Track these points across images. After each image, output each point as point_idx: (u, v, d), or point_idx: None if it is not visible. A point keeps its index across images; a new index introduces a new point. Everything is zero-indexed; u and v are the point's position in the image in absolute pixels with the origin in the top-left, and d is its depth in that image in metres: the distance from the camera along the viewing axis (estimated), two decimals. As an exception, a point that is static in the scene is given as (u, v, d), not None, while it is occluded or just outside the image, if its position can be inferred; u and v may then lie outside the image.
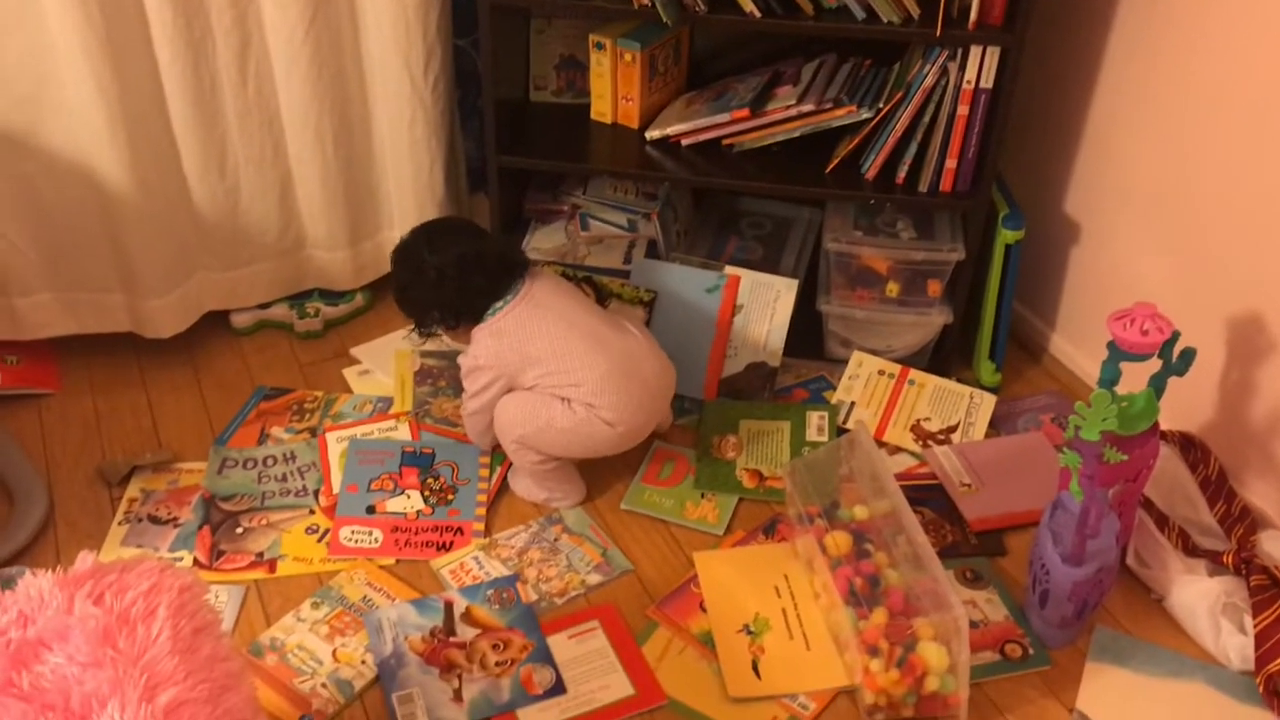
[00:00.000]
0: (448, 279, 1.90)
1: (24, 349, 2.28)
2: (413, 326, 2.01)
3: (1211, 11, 1.84)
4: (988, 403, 2.20)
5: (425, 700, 1.67)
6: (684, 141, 2.25)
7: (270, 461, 2.08)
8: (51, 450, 2.12)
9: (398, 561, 1.91)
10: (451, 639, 1.76)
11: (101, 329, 2.28)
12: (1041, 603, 1.74)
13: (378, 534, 1.94)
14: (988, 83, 1.98)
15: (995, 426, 2.18)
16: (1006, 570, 1.90)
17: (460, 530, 1.96)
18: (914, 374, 2.25)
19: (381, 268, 2.46)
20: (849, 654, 1.69)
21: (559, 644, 1.76)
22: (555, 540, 1.95)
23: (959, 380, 2.26)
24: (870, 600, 1.69)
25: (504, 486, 2.05)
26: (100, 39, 1.92)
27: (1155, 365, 1.71)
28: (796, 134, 2.17)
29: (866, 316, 2.25)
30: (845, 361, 2.28)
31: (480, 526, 1.97)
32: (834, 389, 2.26)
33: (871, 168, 2.13)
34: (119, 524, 1.96)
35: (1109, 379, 1.67)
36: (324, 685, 1.70)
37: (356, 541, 1.93)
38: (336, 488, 2.02)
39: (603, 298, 2.25)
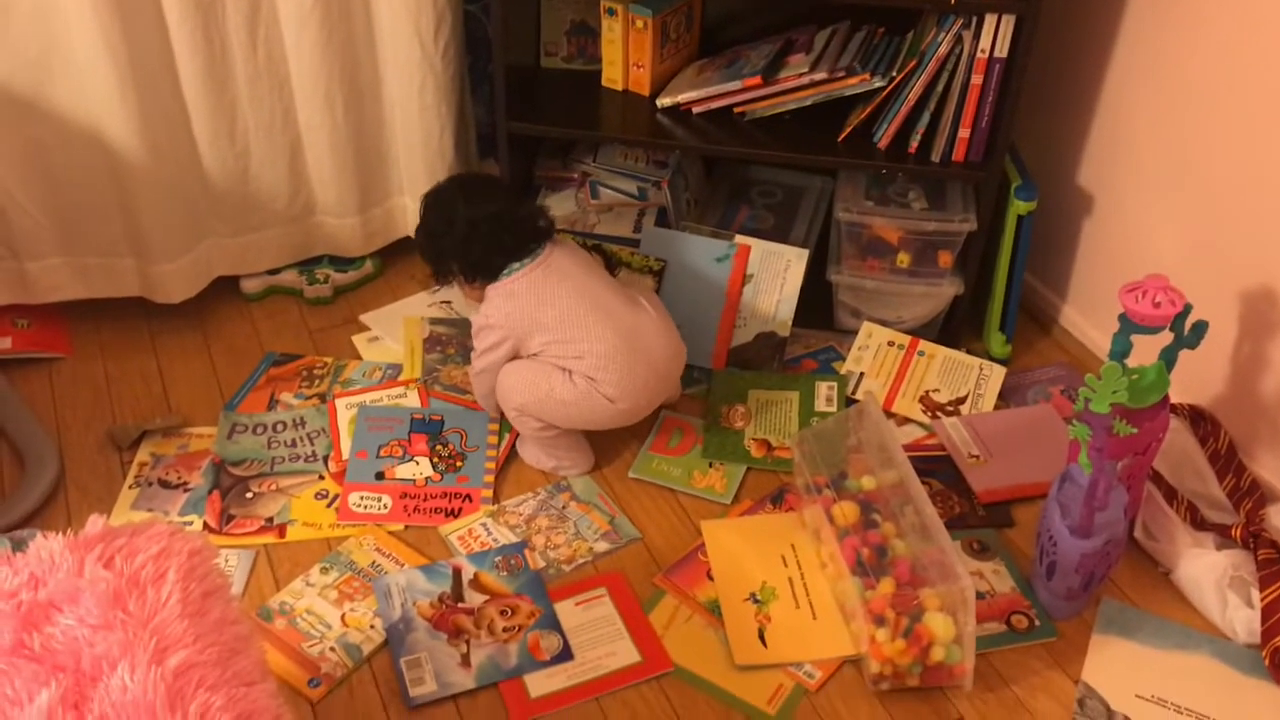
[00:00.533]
0: (477, 234, 1.91)
1: (34, 313, 2.28)
2: (431, 274, 2.03)
3: (1230, -19, 1.83)
4: (997, 374, 2.20)
5: (433, 665, 1.68)
6: (695, 109, 2.24)
7: (280, 427, 2.09)
8: (62, 414, 2.13)
9: (406, 528, 1.92)
10: (459, 605, 1.77)
11: (112, 293, 2.28)
12: (1048, 574, 1.74)
13: (387, 500, 1.95)
14: (1002, 52, 1.96)
15: (1004, 398, 2.18)
16: (1014, 542, 1.91)
17: (469, 497, 1.96)
18: (923, 345, 2.24)
19: (391, 234, 2.46)
20: (855, 623, 1.70)
21: (566, 611, 1.77)
22: (563, 508, 1.95)
23: (969, 351, 2.25)
24: (877, 570, 1.69)
25: (513, 454, 2.05)
26: None
27: (1166, 338, 1.70)
28: (808, 102, 2.16)
29: (877, 287, 2.25)
30: (855, 332, 2.28)
31: (489, 493, 1.98)
32: (843, 359, 2.25)
33: (884, 137, 2.11)
34: (129, 488, 1.97)
35: (1120, 351, 1.66)
36: (332, 649, 1.71)
37: (365, 507, 1.94)
38: (346, 454, 2.03)
39: (612, 266, 2.24)
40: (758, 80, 2.16)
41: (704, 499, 1.98)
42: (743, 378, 2.20)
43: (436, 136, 2.29)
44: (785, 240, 2.29)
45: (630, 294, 1.98)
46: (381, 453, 2.03)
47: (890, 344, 2.25)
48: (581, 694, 1.66)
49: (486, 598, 1.79)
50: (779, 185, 2.53)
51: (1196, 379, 1.98)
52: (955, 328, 2.28)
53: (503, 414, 2.05)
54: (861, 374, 2.21)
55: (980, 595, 1.79)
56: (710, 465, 2.03)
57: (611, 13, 2.24)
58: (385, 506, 1.94)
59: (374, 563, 1.84)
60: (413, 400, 2.15)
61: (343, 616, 1.76)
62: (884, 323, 2.28)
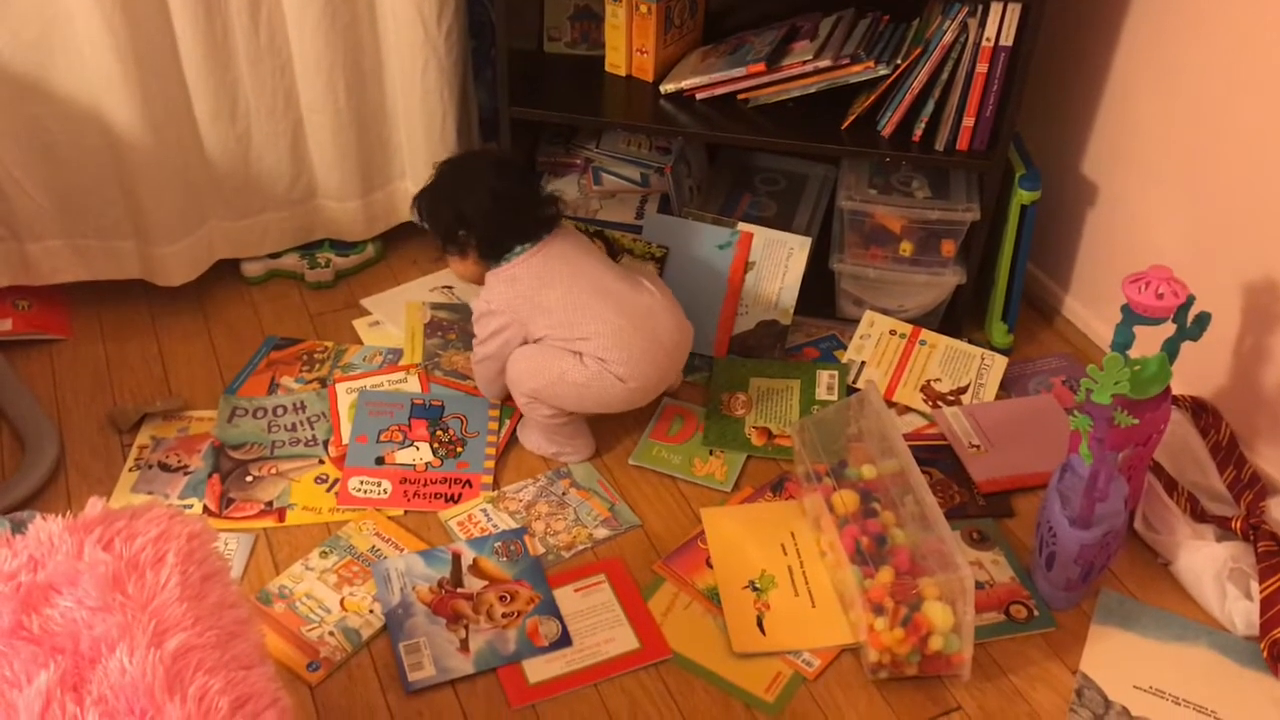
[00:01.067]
0: (501, 207, 1.90)
1: (35, 294, 2.28)
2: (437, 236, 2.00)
3: (1238, -30, 1.82)
4: (999, 364, 2.19)
5: (432, 650, 1.68)
6: (699, 95, 2.23)
7: (280, 411, 2.09)
8: (63, 396, 2.13)
9: (406, 512, 1.92)
10: (459, 590, 1.77)
11: (113, 275, 2.27)
12: (1048, 565, 1.74)
13: (386, 485, 1.95)
14: (1008, 40, 1.95)
15: (1006, 388, 2.18)
16: (1013, 532, 1.91)
17: (469, 483, 1.96)
18: (925, 334, 2.24)
19: (393, 219, 2.45)
20: (854, 612, 1.70)
21: (565, 597, 1.77)
22: (563, 494, 1.95)
23: (970, 341, 2.25)
24: (876, 559, 1.69)
25: (513, 440, 2.05)
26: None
27: (1169, 329, 1.70)
28: (813, 89, 2.15)
29: (879, 276, 2.24)
30: (857, 321, 2.27)
31: (489, 479, 1.98)
32: (845, 348, 2.25)
33: (888, 125, 2.11)
34: (129, 470, 1.97)
35: (1122, 342, 1.66)
36: (331, 633, 1.71)
37: (365, 492, 1.94)
38: (346, 438, 2.03)
39: (614, 252, 2.24)
40: (762, 67, 2.15)
41: (704, 486, 1.97)
42: (744, 365, 2.20)
43: (439, 120, 2.28)
44: (788, 228, 2.29)
45: (634, 277, 1.97)
46: (382, 437, 2.03)
47: (892, 333, 2.24)
48: (580, 680, 1.66)
49: (486, 583, 1.79)
50: (782, 173, 2.52)
51: (1198, 371, 1.97)
52: (957, 317, 2.27)
53: (503, 400, 2.05)
54: (863, 363, 2.20)
55: (979, 585, 1.79)
56: (711, 453, 2.03)
57: (616, -2, 2.24)
58: (385, 491, 1.94)
59: (373, 547, 1.84)
60: (413, 385, 2.15)
61: (342, 601, 1.76)
62: (886, 311, 2.27)
